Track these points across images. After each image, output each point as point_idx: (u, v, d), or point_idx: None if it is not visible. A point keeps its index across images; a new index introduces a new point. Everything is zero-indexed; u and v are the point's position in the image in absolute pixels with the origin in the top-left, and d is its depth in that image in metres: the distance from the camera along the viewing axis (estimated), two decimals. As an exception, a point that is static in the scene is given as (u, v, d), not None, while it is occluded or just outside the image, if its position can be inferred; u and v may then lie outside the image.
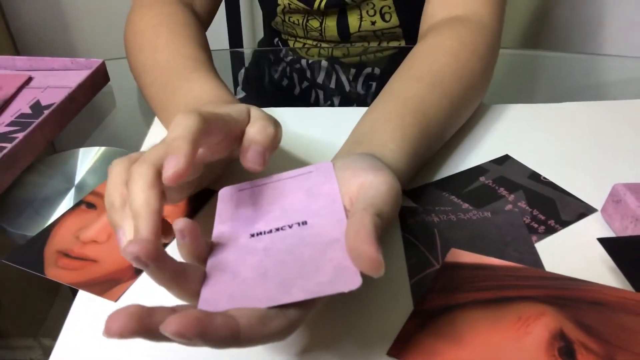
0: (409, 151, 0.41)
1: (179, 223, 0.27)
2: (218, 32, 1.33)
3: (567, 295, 0.33)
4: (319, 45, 0.79)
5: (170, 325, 0.22)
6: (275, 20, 0.80)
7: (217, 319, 0.23)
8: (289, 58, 0.76)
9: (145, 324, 0.22)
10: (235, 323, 0.24)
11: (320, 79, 0.68)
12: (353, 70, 0.69)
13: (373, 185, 0.31)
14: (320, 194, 0.33)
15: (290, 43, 0.82)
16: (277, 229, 0.31)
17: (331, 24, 0.74)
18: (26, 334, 0.36)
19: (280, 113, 0.57)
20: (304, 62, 0.74)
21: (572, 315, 0.32)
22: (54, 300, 0.37)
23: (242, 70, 0.76)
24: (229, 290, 0.27)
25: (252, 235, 0.31)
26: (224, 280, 0.28)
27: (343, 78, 0.68)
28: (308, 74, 0.70)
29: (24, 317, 0.37)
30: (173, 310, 0.24)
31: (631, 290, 0.34)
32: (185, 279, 0.27)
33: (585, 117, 0.55)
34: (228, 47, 1.19)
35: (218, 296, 0.26)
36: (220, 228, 0.32)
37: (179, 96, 0.45)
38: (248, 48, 1.33)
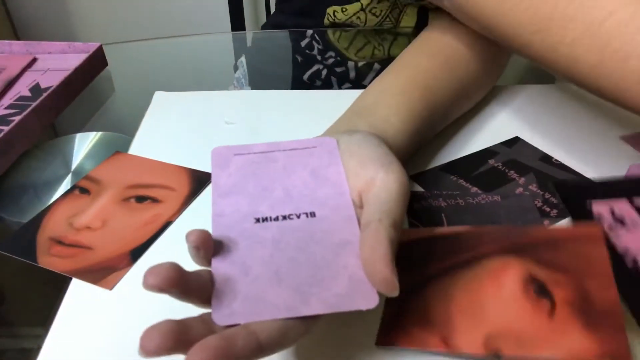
0: (412, 127, 0.40)
1: (192, 237, 0.26)
2: (220, 15, 1.31)
3: (520, 242, 0.34)
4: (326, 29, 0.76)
5: None
6: None
7: (239, 342, 0.23)
8: (293, 39, 0.74)
9: (181, 341, 0.22)
10: (256, 340, 0.23)
11: (325, 62, 0.66)
12: (361, 64, 0.67)
13: (385, 186, 0.30)
14: (325, 178, 0.31)
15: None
16: (284, 217, 0.29)
17: None
18: (34, 323, 0.35)
19: (283, 96, 0.55)
20: (306, 43, 0.72)
21: (533, 258, 0.33)
22: (62, 289, 0.36)
23: (243, 57, 0.74)
24: (241, 289, 0.26)
25: (258, 221, 0.29)
26: (235, 276, 0.26)
27: (350, 65, 0.66)
28: (313, 53, 0.68)
29: (31, 306, 0.36)
30: (203, 320, 0.25)
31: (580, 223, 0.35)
32: (207, 288, 0.26)
33: (599, 97, 0.53)
34: (230, 31, 1.17)
35: (231, 299, 0.25)
36: (220, 204, 0.30)
37: None
38: (250, 31, 1.31)
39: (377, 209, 0.28)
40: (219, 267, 0.27)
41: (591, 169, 0.43)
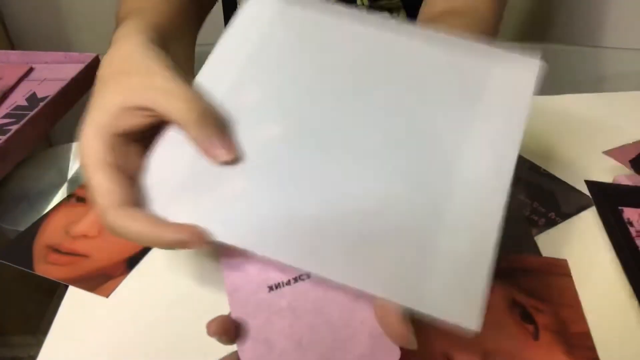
0: None
1: (213, 329, 0.26)
2: (216, 27, 1.32)
3: (501, 267, 0.35)
4: None
5: None
6: None
7: None
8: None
9: None
10: None
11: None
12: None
13: None
14: None
15: None
16: (295, 279, 0.29)
17: None
18: (25, 332, 0.35)
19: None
20: None
21: (513, 284, 0.35)
22: (52, 298, 0.37)
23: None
24: None
25: (271, 289, 0.29)
26: (262, 355, 0.27)
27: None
28: None
29: (22, 315, 0.37)
30: None
31: (548, 256, 0.37)
32: None
33: (585, 109, 0.54)
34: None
35: None
36: (232, 277, 0.30)
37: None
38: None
39: None
40: (245, 349, 0.27)
41: (578, 180, 0.44)
